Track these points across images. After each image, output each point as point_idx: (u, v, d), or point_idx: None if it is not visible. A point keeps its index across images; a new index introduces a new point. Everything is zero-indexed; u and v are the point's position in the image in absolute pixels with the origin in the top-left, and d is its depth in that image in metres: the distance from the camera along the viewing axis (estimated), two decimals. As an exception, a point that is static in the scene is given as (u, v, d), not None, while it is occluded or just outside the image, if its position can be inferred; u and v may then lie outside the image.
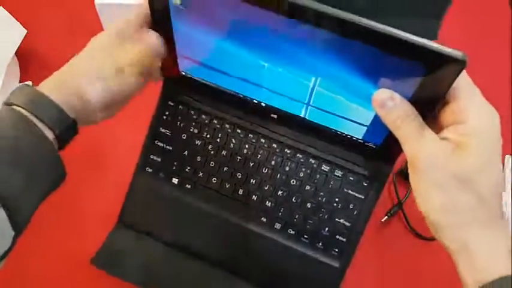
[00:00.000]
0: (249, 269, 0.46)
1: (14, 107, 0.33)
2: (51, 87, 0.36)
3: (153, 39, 0.38)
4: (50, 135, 0.34)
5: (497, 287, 0.29)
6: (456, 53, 0.30)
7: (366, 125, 0.39)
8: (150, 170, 0.48)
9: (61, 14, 0.64)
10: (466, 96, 0.32)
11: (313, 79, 0.37)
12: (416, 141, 0.31)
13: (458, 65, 0.30)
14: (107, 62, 0.37)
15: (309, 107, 0.41)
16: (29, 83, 0.58)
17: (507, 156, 0.54)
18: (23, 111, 0.33)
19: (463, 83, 0.33)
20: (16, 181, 0.31)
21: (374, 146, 0.41)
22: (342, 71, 0.35)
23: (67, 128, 0.35)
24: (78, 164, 0.53)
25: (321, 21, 0.31)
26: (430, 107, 0.32)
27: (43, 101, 0.34)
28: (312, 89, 0.39)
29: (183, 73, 0.44)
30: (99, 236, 0.48)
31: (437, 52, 0.30)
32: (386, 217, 0.51)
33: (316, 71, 0.37)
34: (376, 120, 0.37)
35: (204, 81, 0.44)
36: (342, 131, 0.41)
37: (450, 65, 0.30)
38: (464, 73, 0.33)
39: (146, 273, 0.47)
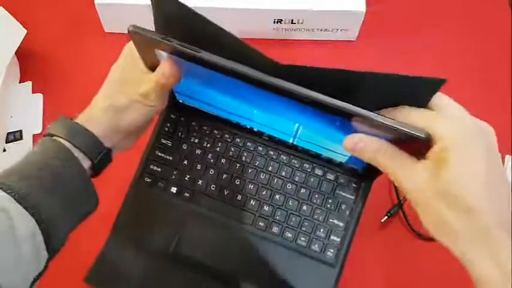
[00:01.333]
0: (247, 273, 0.46)
1: (56, 137, 0.36)
2: (86, 119, 0.38)
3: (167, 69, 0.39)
4: (86, 163, 0.37)
5: None
6: (419, 133, 0.31)
7: (347, 155, 0.44)
8: (148, 180, 0.49)
9: (61, 14, 0.64)
10: (437, 114, 0.33)
11: (296, 125, 0.43)
12: (397, 169, 0.33)
13: (422, 140, 0.31)
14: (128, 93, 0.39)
15: (296, 139, 0.46)
16: (29, 83, 0.58)
17: (507, 156, 0.54)
18: (64, 141, 0.36)
19: (435, 102, 0.34)
20: (53, 207, 0.34)
21: (357, 169, 0.46)
22: (321, 124, 0.38)
23: (103, 156, 0.38)
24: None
25: (297, 98, 0.33)
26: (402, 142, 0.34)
27: (81, 132, 0.37)
28: (297, 129, 0.44)
29: (181, 101, 0.48)
30: (92, 249, 0.47)
31: (401, 131, 0.31)
32: (386, 217, 0.51)
33: (298, 121, 0.42)
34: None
35: (200, 109, 0.48)
36: (327, 157, 0.47)
37: (414, 139, 0.31)
38: (437, 95, 0.34)
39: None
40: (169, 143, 0.49)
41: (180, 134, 0.49)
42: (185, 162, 0.49)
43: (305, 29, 0.61)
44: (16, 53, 0.56)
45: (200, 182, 0.48)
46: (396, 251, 0.52)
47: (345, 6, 0.58)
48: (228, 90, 0.41)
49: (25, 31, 0.56)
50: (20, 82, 0.59)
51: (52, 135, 0.36)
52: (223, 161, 0.49)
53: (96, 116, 0.38)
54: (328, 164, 0.48)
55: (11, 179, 0.33)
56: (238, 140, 0.49)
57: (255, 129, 0.48)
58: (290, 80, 0.34)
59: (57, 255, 0.35)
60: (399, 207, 0.52)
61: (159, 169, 0.49)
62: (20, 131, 0.56)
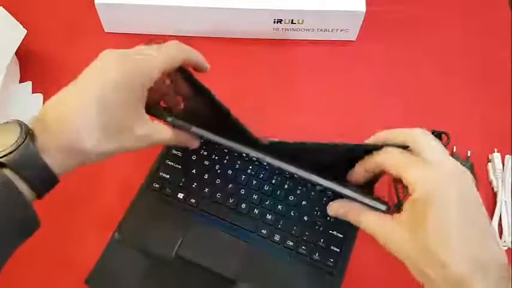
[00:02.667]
0: (249, 279, 0.46)
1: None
2: (50, 140, 0.33)
3: (167, 136, 0.39)
4: (30, 194, 0.33)
5: None
6: (380, 206, 0.37)
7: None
8: (156, 185, 0.50)
9: (61, 14, 0.64)
10: (413, 168, 0.34)
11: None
12: (379, 232, 0.36)
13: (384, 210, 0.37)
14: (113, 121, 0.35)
15: None
16: (29, 83, 0.58)
17: (507, 156, 0.55)
18: (7, 172, 0.32)
19: (418, 140, 0.35)
20: None
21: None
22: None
23: (49, 185, 0.34)
24: (73, 177, 0.52)
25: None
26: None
27: (35, 164, 0.32)
28: None
29: None
30: (94, 250, 0.47)
31: (364, 203, 0.38)
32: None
33: None
34: None
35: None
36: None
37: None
38: (419, 132, 0.36)
39: None
40: (179, 153, 0.52)
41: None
42: (194, 171, 0.51)
43: (305, 29, 0.61)
44: (16, 53, 0.56)
45: (207, 189, 0.50)
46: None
47: (345, 6, 0.58)
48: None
49: (25, 31, 0.56)
50: (20, 82, 0.59)
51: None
52: (229, 172, 0.51)
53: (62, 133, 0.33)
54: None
55: None
56: (244, 155, 0.52)
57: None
58: (276, 153, 0.40)
59: None
60: (399, 207, 0.52)
61: (168, 176, 0.51)
62: (20, 131, 0.56)
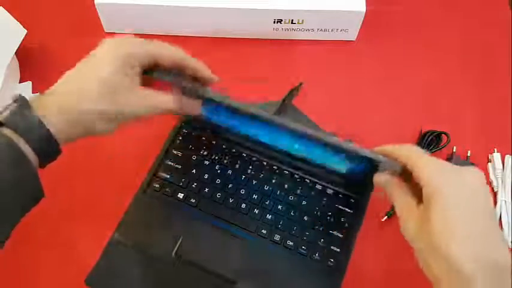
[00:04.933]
0: (249, 279, 0.46)
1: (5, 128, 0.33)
2: (55, 111, 0.35)
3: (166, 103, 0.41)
4: (35, 160, 0.34)
5: None
6: (394, 165, 0.38)
7: (343, 172, 0.47)
8: (156, 185, 0.50)
9: (61, 14, 0.64)
10: (429, 170, 0.35)
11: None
12: (403, 212, 0.37)
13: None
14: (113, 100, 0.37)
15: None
16: (29, 83, 0.58)
17: (507, 156, 0.55)
18: (13, 135, 0.33)
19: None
20: None
21: (355, 180, 0.48)
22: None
23: (52, 152, 0.35)
24: (73, 176, 0.52)
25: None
26: None
27: (37, 128, 0.34)
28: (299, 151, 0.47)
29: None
30: (93, 251, 0.47)
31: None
32: (386, 217, 0.51)
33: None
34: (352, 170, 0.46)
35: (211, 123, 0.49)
36: (328, 167, 0.48)
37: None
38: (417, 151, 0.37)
39: None
40: (179, 153, 0.52)
41: (190, 146, 0.52)
42: (193, 171, 0.51)
43: (305, 29, 0.61)
44: (16, 53, 0.56)
45: (207, 189, 0.50)
46: (396, 251, 0.51)
47: (345, 6, 0.58)
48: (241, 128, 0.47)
49: (25, 31, 0.56)
50: (20, 82, 0.59)
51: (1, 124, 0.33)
52: (229, 172, 0.51)
53: (67, 108, 0.36)
54: (329, 176, 0.50)
55: None
56: (244, 155, 0.52)
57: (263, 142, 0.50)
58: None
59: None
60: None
61: (168, 175, 0.51)
62: (20, 131, 0.56)
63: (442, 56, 0.62)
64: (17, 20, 0.56)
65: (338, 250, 0.48)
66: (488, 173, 0.54)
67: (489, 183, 0.54)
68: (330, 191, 0.51)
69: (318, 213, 0.49)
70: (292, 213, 0.49)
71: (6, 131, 0.33)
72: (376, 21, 0.61)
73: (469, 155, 0.54)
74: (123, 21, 0.61)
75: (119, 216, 0.49)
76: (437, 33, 0.64)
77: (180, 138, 0.53)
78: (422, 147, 0.49)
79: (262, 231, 0.48)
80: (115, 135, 0.39)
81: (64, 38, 0.62)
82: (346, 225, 0.49)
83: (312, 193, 0.50)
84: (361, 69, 0.61)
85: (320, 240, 0.48)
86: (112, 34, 0.62)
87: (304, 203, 0.50)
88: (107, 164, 0.52)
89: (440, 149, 0.54)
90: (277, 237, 0.48)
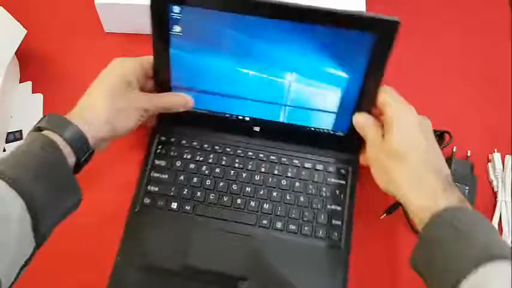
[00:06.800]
0: (260, 273, 0.46)
1: (44, 131, 0.39)
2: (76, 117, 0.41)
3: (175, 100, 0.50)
4: (71, 159, 0.39)
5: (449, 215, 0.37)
6: (390, 17, 0.43)
7: (334, 112, 0.49)
8: (148, 200, 0.49)
9: (61, 14, 0.64)
10: (389, 99, 0.46)
11: (288, 75, 0.47)
12: (370, 132, 0.46)
13: (393, 24, 0.44)
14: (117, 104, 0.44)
15: (287, 108, 0.50)
16: (29, 83, 0.58)
17: (507, 156, 0.54)
18: (51, 133, 0.38)
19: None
20: (41, 194, 0.35)
21: (343, 134, 0.50)
22: (310, 57, 0.45)
23: (88, 156, 0.41)
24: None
25: (285, 13, 0.42)
26: (378, 79, 0.47)
27: (69, 127, 0.40)
28: (288, 88, 0.48)
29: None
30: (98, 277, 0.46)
31: (374, 18, 0.44)
32: (385, 214, 0.51)
33: (289, 65, 0.46)
34: (342, 105, 0.48)
35: (193, 109, 0.50)
36: (315, 127, 0.51)
37: (387, 27, 0.44)
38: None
39: None
40: (162, 163, 0.51)
41: (172, 153, 0.51)
42: (181, 177, 0.50)
43: (305, 29, 0.60)
44: (16, 53, 0.56)
45: (199, 193, 0.49)
46: (396, 248, 0.51)
47: (345, 6, 0.57)
48: (223, 51, 0.46)
49: (25, 31, 0.56)
50: (20, 82, 0.59)
51: (40, 129, 0.39)
52: (217, 170, 0.50)
53: (93, 108, 0.43)
54: (317, 151, 0.52)
55: (0, 167, 0.34)
56: (228, 149, 0.51)
57: (246, 118, 0.51)
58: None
59: (43, 244, 0.36)
60: (399, 203, 0.52)
61: (157, 188, 0.50)
62: (20, 131, 0.56)
63: (442, 56, 0.62)
64: (17, 20, 0.56)
65: (339, 223, 0.48)
66: (488, 173, 0.54)
67: (489, 183, 0.54)
68: (319, 166, 0.51)
69: (313, 191, 0.50)
70: (288, 197, 0.49)
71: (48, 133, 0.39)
72: (376, 21, 0.61)
73: (469, 154, 0.54)
74: (123, 21, 0.61)
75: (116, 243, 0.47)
76: (437, 33, 0.64)
77: (160, 146, 0.52)
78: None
79: (263, 222, 0.48)
80: (90, 166, 0.43)
81: (64, 38, 0.62)
82: (342, 197, 0.50)
83: (303, 173, 0.51)
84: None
85: (320, 218, 0.48)
86: (112, 34, 0.62)
87: (297, 184, 0.50)
88: (91, 191, 0.46)
89: (443, 148, 0.54)
90: (279, 225, 0.48)
